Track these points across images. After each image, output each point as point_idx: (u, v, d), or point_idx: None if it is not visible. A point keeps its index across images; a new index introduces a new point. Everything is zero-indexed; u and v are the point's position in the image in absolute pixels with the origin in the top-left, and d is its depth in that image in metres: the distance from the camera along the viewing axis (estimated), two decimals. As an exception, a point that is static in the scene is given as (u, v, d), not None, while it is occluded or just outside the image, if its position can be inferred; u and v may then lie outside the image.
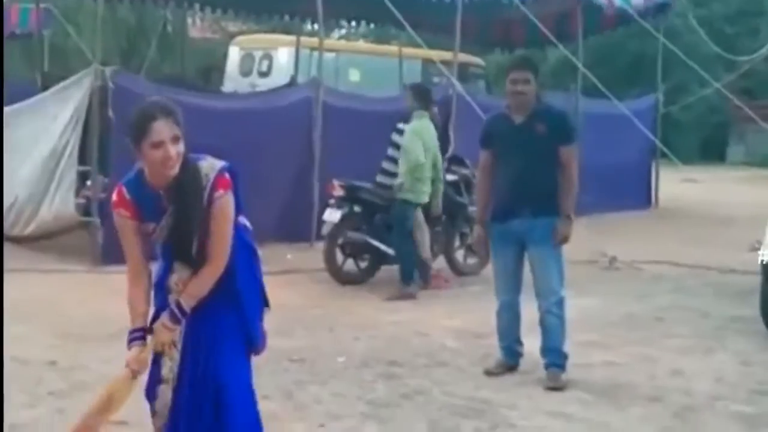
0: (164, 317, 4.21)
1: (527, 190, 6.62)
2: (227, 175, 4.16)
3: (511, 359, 7.00)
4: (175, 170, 4.06)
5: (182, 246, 4.16)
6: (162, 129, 4.01)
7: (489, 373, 6.92)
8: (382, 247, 10.03)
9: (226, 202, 4.15)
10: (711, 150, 31.20)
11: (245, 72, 21.28)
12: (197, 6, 17.44)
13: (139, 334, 4.21)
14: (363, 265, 10.33)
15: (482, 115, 11.96)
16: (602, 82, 14.96)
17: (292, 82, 15.78)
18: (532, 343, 6.94)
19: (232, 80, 20.74)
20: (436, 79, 18.44)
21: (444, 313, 8.94)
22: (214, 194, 4.11)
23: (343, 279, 10.17)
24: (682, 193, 19.51)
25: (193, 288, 4.19)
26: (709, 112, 27.99)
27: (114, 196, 4.20)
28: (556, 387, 6.60)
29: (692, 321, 8.76)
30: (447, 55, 15.09)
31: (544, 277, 6.73)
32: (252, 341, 4.39)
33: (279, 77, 18.70)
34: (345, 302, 9.34)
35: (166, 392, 4.28)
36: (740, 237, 13.06)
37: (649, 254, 12.06)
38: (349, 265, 10.36)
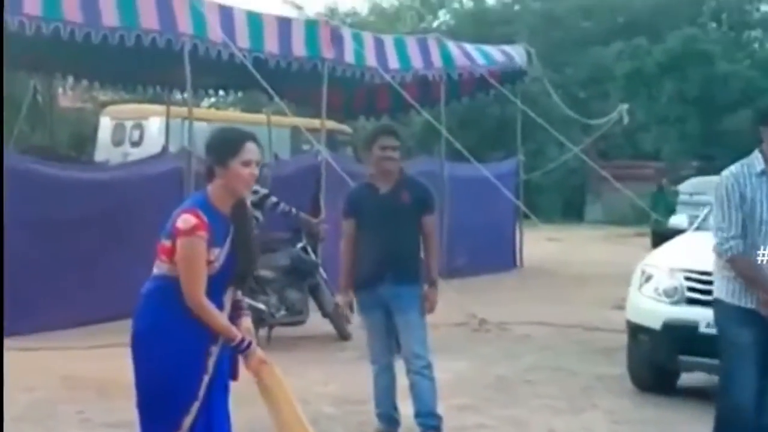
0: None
1: (391, 257, 6.74)
2: None
3: (388, 426, 7.06)
4: (249, 192, 4.49)
5: (247, 265, 4.57)
6: (254, 150, 4.45)
7: (368, 440, 6.99)
8: (255, 303, 10.13)
9: None
10: (570, 209, 32.18)
11: (117, 142, 21.23)
12: (64, 76, 17.33)
13: (249, 340, 4.63)
14: None
15: (350, 182, 12.30)
16: (465, 146, 15.35)
17: (163, 152, 15.80)
18: (408, 408, 7.02)
19: (104, 150, 20.62)
20: (305, 147, 18.70)
21: (320, 379, 8.99)
22: None
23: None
24: (545, 252, 20.08)
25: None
26: (568, 173, 28.91)
27: (194, 220, 4.33)
28: None
29: (561, 381, 9.01)
30: (315, 123, 15.35)
31: (410, 343, 6.84)
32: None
33: (151, 147, 18.67)
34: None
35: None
36: (602, 294, 13.58)
37: (517, 314, 12.37)
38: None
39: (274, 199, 10.52)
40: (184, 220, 4.34)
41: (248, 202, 4.62)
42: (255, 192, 10.93)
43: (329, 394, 8.42)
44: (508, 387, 8.81)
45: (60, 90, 25.83)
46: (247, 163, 4.38)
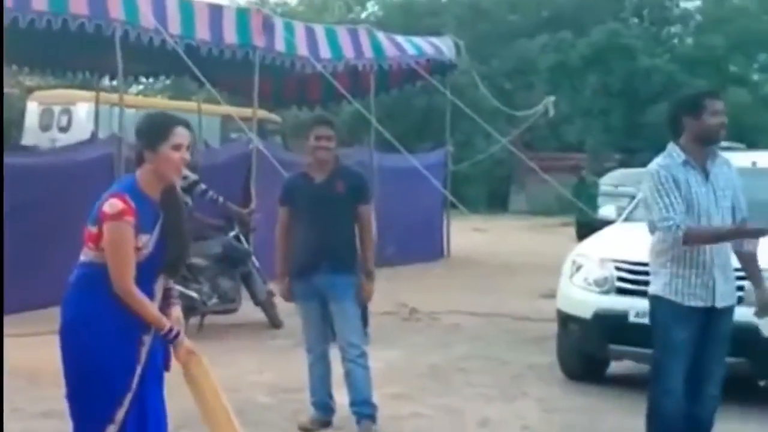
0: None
1: (326, 247, 6.78)
2: None
3: (324, 414, 7.10)
4: (180, 177, 4.45)
5: (178, 251, 4.46)
6: (184, 134, 4.39)
7: (303, 429, 7.02)
8: (186, 291, 10.12)
9: None
10: (495, 200, 32.48)
11: (45, 127, 20.99)
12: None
13: (178, 330, 4.57)
14: None
15: (282, 170, 12.30)
16: (394, 137, 15.41)
17: (93, 138, 15.63)
18: (343, 397, 7.07)
19: (32, 135, 20.35)
20: (234, 135, 18.62)
21: (254, 368, 8.99)
22: None
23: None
24: (471, 242, 20.26)
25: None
26: (494, 164, 29.15)
27: (119, 203, 4.26)
28: None
29: (492, 370, 9.11)
30: (246, 112, 15.30)
31: (345, 332, 6.90)
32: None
33: (79, 132, 18.45)
34: (154, 360, 9.27)
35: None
36: (530, 284, 13.75)
37: (446, 304, 12.46)
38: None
39: (203, 186, 10.50)
40: (111, 204, 4.28)
41: (178, 188, 4.58)
42: (185, 178, 10.94)
43: (263, 383, 8.42)
44: (441, 376, 8.88)
45: (-16, 74, 25.38)
46: (177, 147, 4.34)
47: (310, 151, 6.92)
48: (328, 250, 6.78)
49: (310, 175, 6.97)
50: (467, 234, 20.64)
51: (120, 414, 4.43)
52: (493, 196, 32.25)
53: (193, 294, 10.22)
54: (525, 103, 23.56)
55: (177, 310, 4.62)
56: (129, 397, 4.44)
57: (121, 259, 4.29)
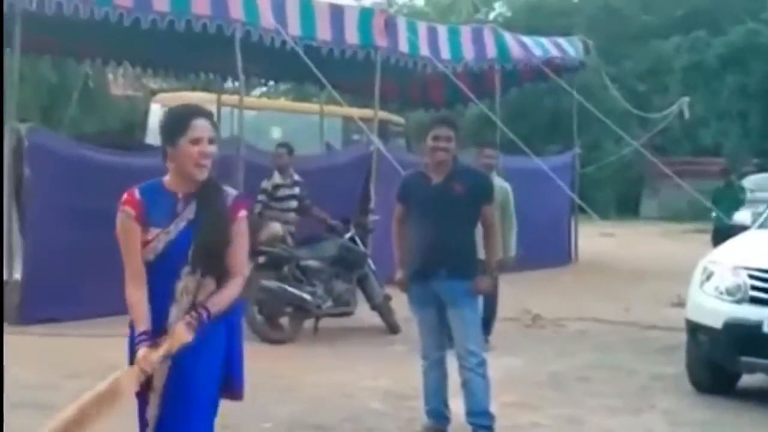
0: (190, 317, 4.08)
1: (443, 251, 6.56)
2: (246, 201, 4.30)
3: (438, 423, 6.87)
4: (206, 173, 4.13)
5: (205, 251, 4.11)
6: (203, 126, 4.13)
7: (417, 437, 6.78)
8: (300, 293, 10.01)
9: (246, 224, 4.23)
10: (626, 205, 31.70)
11: (167, 129, 21.08)
12: (118, 62, 17.36)
13: (146, 336, 4.10)
14: (284, 321, 10.26)
15: (402, 171, 12.07)
16: (520, 138, 15.10)
17: (214, 140, 15.66)
18: (458, 406, 6.84)
19: (154, 137, 20.51)
20: (356, 137, 18.53)
21: (368, 373, 8.81)
22: (238, 212, 4.18)
23: (267, 337, 10.06)
24: (600, 247, 19.75)
25: (220, 299, 4.15)
26: (624, 167, 28.47)
27: (125, 196, 4.15)
28: None
29: (617, 380, 8.76)
30: (368, 113, 15.14)
31: (464, 340, 6.67)
32: (236, 388, 4.41)
33: (201, 135, 18.52)
34: (269, 363, 9.11)
35: (155, 401, 4.18)
36: (658, 292, 13.26)
37: (572, 311, 12.11)
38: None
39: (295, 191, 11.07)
40: (124, 195, 4.21)
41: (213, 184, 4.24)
42: (292, 182, 10.99)
43: (378, 389, 8.23)
44: (562, 385, 8.57)
45: (111, 78, 25.92)
46: (196, 141, 4.09)
47: (428, 152, 6.70)
48: (446, 255, 6.56)
49: (427, 175, 6.76)
50: (595, 239, 20.11)
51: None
52: (622, 201, 31.46)
53: (307, 296, 10.08)
54: (658, 106, 22.91)
55: (180, 326, 4.09)
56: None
57: (121, 249, 4.17)
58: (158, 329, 4.12)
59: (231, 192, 4.25)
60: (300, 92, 26.87)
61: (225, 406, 7.40)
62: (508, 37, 16.34)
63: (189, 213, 4.14)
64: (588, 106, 16.67)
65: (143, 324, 4.13)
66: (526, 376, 8.85)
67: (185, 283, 4.14)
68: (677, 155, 30.89)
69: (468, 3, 39.48)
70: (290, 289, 10.05)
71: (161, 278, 4.14)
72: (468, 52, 15.35)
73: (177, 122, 4.14)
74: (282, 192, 11.20)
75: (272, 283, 10.03)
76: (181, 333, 4.06)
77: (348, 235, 10.76)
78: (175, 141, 4.10)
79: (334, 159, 14.61)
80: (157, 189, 4.18)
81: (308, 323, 10.40)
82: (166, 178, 4.19)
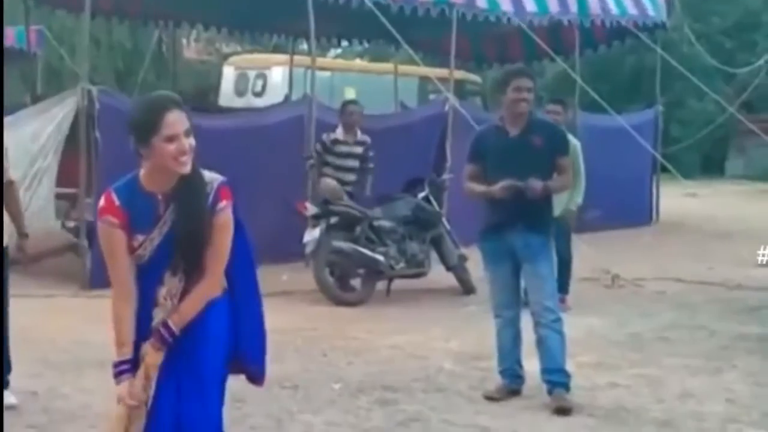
0: (152, 339, 3.83)
1: (522, 203, 6.38)
2: (229, 188, 3.88)
3: (512, 382, 6.71)
4: (188, 167, 3.75)
5: (186, 253, 3.81)
6: (176, 120, 3.70)
7: (489, 398, 6.64)
8: (373, 254, 9.87)
9: (228, 214, 3.86)
10: (710, 164, 30.97)
11: (240, 92, 21.14)
12: (192, 24, 17.37)
13: (127, 367, 3.83)
14: (356, 283, 10.12)
15: (478, 129, 11.82)
16: (601, 97, 14.76)
17: (287, 101, 15.60)
18: (532, 366, 6.68)
19: (227, 100, 20.60)
20: (432, 96, 18.30)
21: (441, 334, 8.66)
22: (218, 204, 3.82)
23: (339, 299, 9.95)
24: (683, 207, 19.25)
25: (187, 307, 3.83)
26: (708, 125, 27.79)
27: (102, 202, 3.83)
28: (564, 408, 6.32)
29: (698, 340, 8.50)
30: (443, 73, 14.89)
31: (540, 296, 6.53)
32: (253, 371, 4.12)
33: (273, 96, 18.53)
34: (340, 324, 9.05)
35: (140, 415, 3.87)
36: (744, 252, 12.85)
37: (652, 271, 11.80)
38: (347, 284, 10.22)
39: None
40: (101, 199, 3.87)
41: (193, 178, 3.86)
42: (362, 143, 10.76)
43: (451, 350, 8.09)
44: (641, 345, 8.32)
45: (184, 41, 25.99)
46: (171, 139, 3.69)
47: (509, 104, 6.51)
48: (524, 208, 6.39)
49: (503, 128, 6.58)
50: (679, 199, 19.60)
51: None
52: (707, 160, 30.72)
53: (380, 257, 9.93)
54: (745, 63, 22.19)
55: (151, 354, 3.82)
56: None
57: (107, 259, 3.87)
58: (145, 335, 3.86)
59: (215, 179, 3.87)
60: (376, 53, 26.67)
61: (294, 365, 7.40)
62: (589, -8, 15.91)
63: (171, 214, 3.83)
64: (671, 62, 16.21)
65: (125, 348, 3.84)
66: (605, 336, 8.63)
67: (168, 287, 3.87)
68: (765, 112, 30.01)
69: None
70: (362, 249, 9.90)
71: (146, 284, 3.88)
72: (553, 6, 14.98)
73: (147, 119, 3.72)
74: (340, 148, 10.79)
75: (344, 244, 9.89)
76: (151, 356, 3.83)
77: (422, 195, 10.57)
78: (147, 140, 3.71)
79: (408, 117, 14.37)
80: (133, 190, 3.84)
81: (381, 285, 10.25)
82: (142, 175, 3.84)
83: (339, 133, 10.82)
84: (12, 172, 6.25)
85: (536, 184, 6.37)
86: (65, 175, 10.70)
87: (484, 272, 6.98)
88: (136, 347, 3.86)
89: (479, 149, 6.66)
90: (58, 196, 10.98)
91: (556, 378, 6.49)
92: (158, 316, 3.86)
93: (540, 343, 6.54)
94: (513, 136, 6.52)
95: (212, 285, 3.88)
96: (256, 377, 4.15)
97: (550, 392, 6.48)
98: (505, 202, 6.40)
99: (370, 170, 10.92)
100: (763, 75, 18.37)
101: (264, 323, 4.12)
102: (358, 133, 10.90)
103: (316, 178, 10.67)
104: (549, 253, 6.61)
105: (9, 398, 6.16)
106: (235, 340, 4.00)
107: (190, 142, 3.75)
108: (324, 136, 10.87)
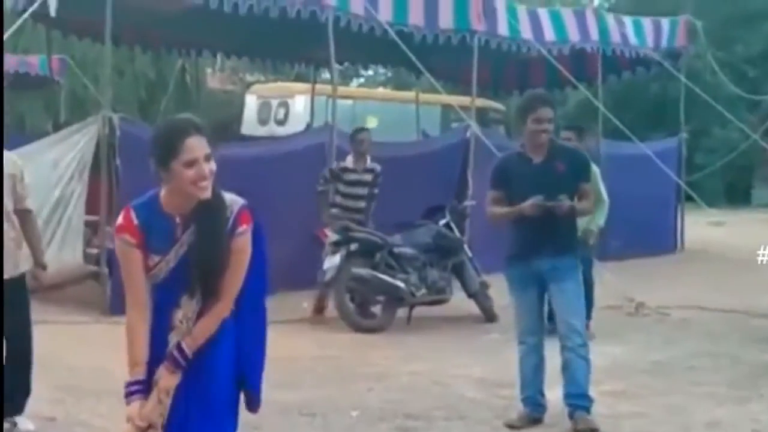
0: (166, 362, 3.79)
1: (549, 230, 6.40)
2: (249, 212, 3.85)
3: (534, 411, 6.64)
4: (208, 192, 3.72)
5: (202, 277, 3.79)
6: (196, 145, 3.69)
7: (511, 426, 6.58)
8: (393, 281, 9.82)
9: (247, 239, 3.82)
10: (735, 192, 30.79)
11: (262, 120, 21.18)
12: (213, 53, 17.44)
13: (139, 387, 3.79)
14: (377, 310, 10.09)
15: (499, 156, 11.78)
16: (624, 125, 14.71)
17: (308, 130, 15.63)
18: (554, 395, 6.64)
19: (250, 128, 20.63)
20: (454, 125, 18.26)
21: (462, 362, 8.58)
22: (237, 228, 3.79)
23: (360, 325, 9.90)
24: (707, 236, 19.10)
25: (200, 329, 3.81)
26: (733, 154, 27.64)
27: (120, 219, 3.81)
28: (590, 429, 6.34)
29: (723, 368, 8.38)
30: (465, 101, 14.87)
31: (567, 315, 6.51)
32: (250, 397, 4.04)
33: (296, 125, 18.57)
34: (360, 351, 9.00)
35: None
36: (768, 281, 12.69)
37: (676, 299, 11.67)
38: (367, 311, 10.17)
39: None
40: (119, 217, 3.86)
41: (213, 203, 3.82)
42: (371, 170, 10.67)
43: (472, 377, 8.01)
44: (666, 373, 8.22)
45: (209, 71, 26.10)
46: (190, 164, 3.68)
47: (529, 134, 6.53)
48: (551, 233, 6.42)
49: (526, 155, 6.58)
50: (703, 227, 19.45)
51: None
52: (732, 188, 30.54)
53: (400, 284, 9.87)
54: (769, 91, 22.07)
55: (166, 378, 3.80)
56: None
57: (123, 277, 3.86)
58: (159, 357, 3.82)
59: (235, 202, 3.84)
60: (398, 82, 26.72)
61: (313, 392, 7.34)
62: (610, 20, 15.88)
63: (188, 237, 3.82)
64: (694, 89, 16.13)
65: (139, 367, 3.80)
66: (629, 364, 8.53)
67: (184, 310, 3.84)
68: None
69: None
70: (383, 276, 9.85)
71: (162, 306, 3.86)
72: (573, 35, 14.96)
73: (167, 144, 3.72)
74: (350, 176, 10.67)
75: (364, 271, 9.84)
76: (165, 379, 3.80)
77: (443, 222, 10.52)
78: (167, 164, 3.71)
79: (430, 145, 14.36)
80: (153, 210, 3.82)
81: (401, 312, 10.18)
82: (163, 196, 3.82)
83: (349, 161, 10.75)
84: (29, 201, 6.21)
85: (565, 201, 6.37)
86: (87, 202, 10.70)
87: (509, 298, 6.89)
88: (150, 369, 3.82)
89: (502, 176, 6.64)
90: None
91: (579, 402, 6.48)
92: (173, 339, 3.82)
93: (565, 368, 6.52)
94: (536, 163, 6.53)
95: (226, 307, 3.86)
96: (253, 403, 4.07)
97: (571, 416, 6.45)
98: (531, 228, 6.41)
99: (374, 197, 10.83)
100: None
101: (265, 349, 4.08)
102: (368, 160, 10.81)
103: (324, 206, 10.58)
104: (577, 275, 6.60)
105: (26, 424, 6.16)
106: (238, 362, 3.97)
107: (210, 167, 3.73)
108: (334, 164, 10.84)
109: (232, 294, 3.85)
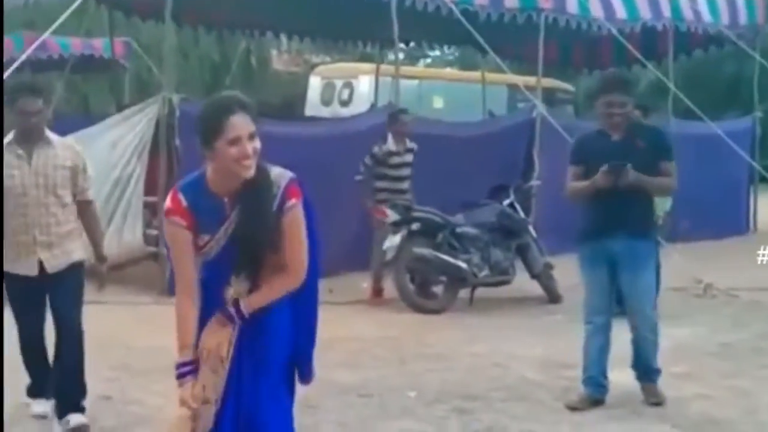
0: (218, 315, 3.80)
1: (625, 209, 6.32)
2: (298, 185, 3.81)
3: (596, 392, 6.52)
4: (252, 171, 3.69)
5: (249, 256, 3.78)
6: (240, 124, 3.67)
7: (571, 408, 6.45)
8: (455, 261, 9.69)
9: (299, 211, 3.80)
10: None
11: (326, 101, 21.10)
12: (276, 34, 17.39)
13: (189, 368, 3.78)
14: (438, 290, 9.96)
15: (567, 138, 11.56)
16: (696, 105, 14.38)
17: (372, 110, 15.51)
18: (617, 377, 6.56)
19: (314, 109, 20.57)
20: (521, 105, 18.05)
21: (525, 343, 8.45)
22: (286, 203, 3.77)
23: (421, 306, 9.79)
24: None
25: (260, 295, 3.81)
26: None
27: (168, 202, 3.80)
28: (657, 402, 6.43)
29: (793, 351, 8.14)
30: (532, 81, 14.66)
31: (640, 304, 6.48)
32: (303, 370, 4.05)
33: (360, 105, 18.44)
34: (420, 332, 8.89)
35: (208, 413, 3.80)
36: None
37: (747, 281, 11.37)
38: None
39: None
40: (167, 200, 3.81)
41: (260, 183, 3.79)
42: (410, 149, 10.48)
43: (533, 358, 7.88)
44: (733, 356, 8.01)
45: (274, 52, 26.09)
46: (233, 141, 3.65)
47: (602, 116, 6.46)
48: (627, 213, 6.34)
49: (606, 132, 6.49)
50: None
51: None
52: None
53: (462, 265, 9.74)
54: None
55: (215, 329, 3.83)
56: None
57: (173, 259, 3.86)
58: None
59: (283, 176, 3.80)
60: (465, 62, 26.51)
61: (371, 372, 7.26)
62: (683, -1, 15.54)
63: (236, 215, 3.79)
64: (769, 67, 15.74)
65: (187, 349, 3.80)
66: (696, 346, 8.34)
67: (235, 287, 3.82)
68: None
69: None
70: (444, 257, 9.72)
71: (213, 285, 3.83)
72: (644, 12, 14.65)
73: (211, 122, 3.70)
74: (394, 160, 10.45)
75: (425, 251, 9.71)
76: (214, 333, 3.80)
77: (507, 201, 10.36)
78: (210, 143, 3.69)
79: (495, 125, 14.18)
80: (200, 190, 3.79)
81: (464, 292, 10.05)
82: (209, 176, 3.79)
83: (391, 144, 10.51)
84: (90, 193, 6.06)
85: (633, 174, 6.22)
86: (146, 183, 10.72)
87: (580, 275, 6.72)
88: (194, 371, 3.80)
89: (582, 152, 6.58)
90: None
91: (648, 373, 6.56)
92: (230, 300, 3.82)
93: (634, 343, 6.55)
94: (616, 140, 6.42)
95: (294, 279, 3.85)
96: (306, 375, 4.08)
97: (642, 386, 6.56)
98: (605, 206, 6.31)
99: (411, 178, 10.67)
100: None
101: (317, 325, 4.07)
102: (407, 141, 10.62)
103: (368, 194, 10.41)
104: (651, 261, 6.59)
105: (80, 418, 5.97)
106: (295, 339, 3.96)
107: (255, 145, 3.69)
108: (375, 149, 10.51)
109: (298, 264, 3.83)
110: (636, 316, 6.48)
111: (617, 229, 6.34)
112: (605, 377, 6.54)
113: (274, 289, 3.83)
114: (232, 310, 3.79)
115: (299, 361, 4.02)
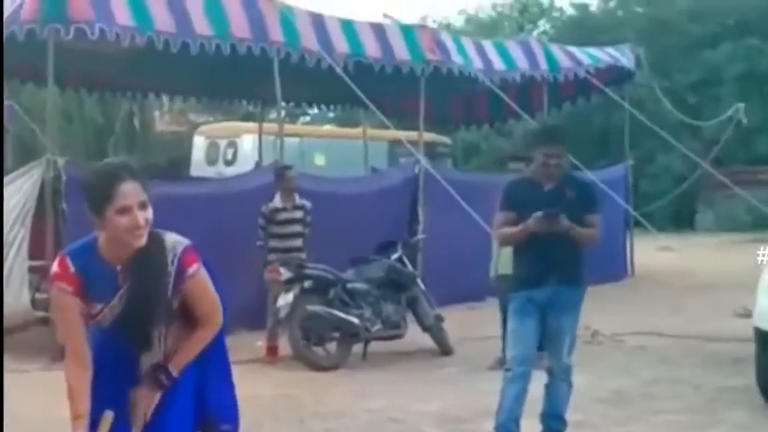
0: (144, 386, 3.75)
1: (555, 258, 6.40)
2: (194, 251, 3.76)
3: (508, 440, 6.56)
4: (143, 240, 3.60)
5: (140, 328, 3.71)
6: (130, 192, 3.57)
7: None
8: (347, 316, 9.73)
9: (202, 273, 3.77)
10: (681, 218, 31.08)
11: (211, 161, 21.12)
12: (157, 94, 17.31)
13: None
14: (332, 347, 9.97)
15: (451, 190, 11.76)
16: (569, 154, 14.74)
17: (257, 169, 15.55)
18: (529, 426, 6.62)
19: (199, 169, 20.54)
20: (402, 160, 18.30)
21: (420, 396, 8.48)
22: (186, 271, 3.71)
23: (315, 363, 9.78)
24: (657, 261, 19.18)
25: (184, 353, 3.78)
26: (677, 180, 27.96)
27: (55, 267, 3.68)
28: None
29: (683, 394, 8.36)
30: (413, 135, 14.88)
31: (558, 347, 6.60)
32: (223, 428, 3.99)
33: (244, 164, 18.48)
34: (316, 389, 8.87)
35: None
36: (722, 303, 12.77)
37: (631, 326, 11.68)
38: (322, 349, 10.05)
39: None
40: (54, 264, 3.73)
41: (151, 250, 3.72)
42: (301, 207, 10.54)
43: (430, 413, 7.90)
44: (625, 402, 8.20)
45: (156, 113, 25.93)
46: (123, 210, 3.54)
47: (539, 166, 6.53)
48: (558, 262, 6.43)
49: (537, 181, 6.57)
50: (652, 253, 19.52)
51: None
52: (678, 214, 30.82)
53: (355, 320, 9.78)
54: (710, 117, 22.37)
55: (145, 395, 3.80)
56: None
57: (59, 325, 3.80)
58: (111, 404, 3.74)
59: (178, 243, 3.74)
60: (346, 119, 26.73)
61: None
62: (556, 49, 16.04)
63: (128, 285, 3.72)
64: (639, 117, 16.30)
65: (82, 419, 3.67)
66: (588, 393, 8.36)
67: (150, 359, 3.80)
68: (734, 165, 30.21)
69: (512, 21, 39.11)
70: (337, 312, 9.76)
71: (109, 351, 3.79)
72: (522, 63, 15.04)
73: (99, 190, 3.57)
74: (281, 216, 10.53)
75: (318, 308, 9.74)
76: (140, 402, 3.77)
77: (395, 256, 10.47)
78: (99, 211, 3.57)
79: (379, 181, 14.32)
80: (91, 256, 3.69)
81: (357, 348, 10.08)
82: (101, 243, 3.69)
83: (277, 201, 10.58)
84: None
85: (566, 222, 6.33)
86: (33, 247, 10.50)
87: (508, 322, 6.81)
88: (94, 416, 3.71)
89: (513, 199, 6.64)
90: (28, 269, 10.78)
91: (555, 424, 6.62)
92: (146, 360, 3.79)
93: (547, 388, 6.65)
94: (548, 190, 6.51)
95: (211, 327, 3.85)
96: (230, 422, 4.03)
97: None
98: (539, 255, 6.40)
99: (307, 233, 10.69)
100: (731, 128, 18.43)
101: (233, 382, 4.04)
102: (296, 197, 10.68)
103: (264, 255, 10.46)
104: (578, 309, 6.67)
105: None
106: (201, 402, 3.91)
107: (146, 215, 3.60)
108: (263, 208, 10.58)
109: (212, 314, 3.83)
110: (555, 366, 6.59)
111: (547, 277, 6.43)
112: (517, 426, 6.54)
113: (197, 343, 3.81)
114: (161, 376, 3.74)
115: (219, 423, 3.95)
